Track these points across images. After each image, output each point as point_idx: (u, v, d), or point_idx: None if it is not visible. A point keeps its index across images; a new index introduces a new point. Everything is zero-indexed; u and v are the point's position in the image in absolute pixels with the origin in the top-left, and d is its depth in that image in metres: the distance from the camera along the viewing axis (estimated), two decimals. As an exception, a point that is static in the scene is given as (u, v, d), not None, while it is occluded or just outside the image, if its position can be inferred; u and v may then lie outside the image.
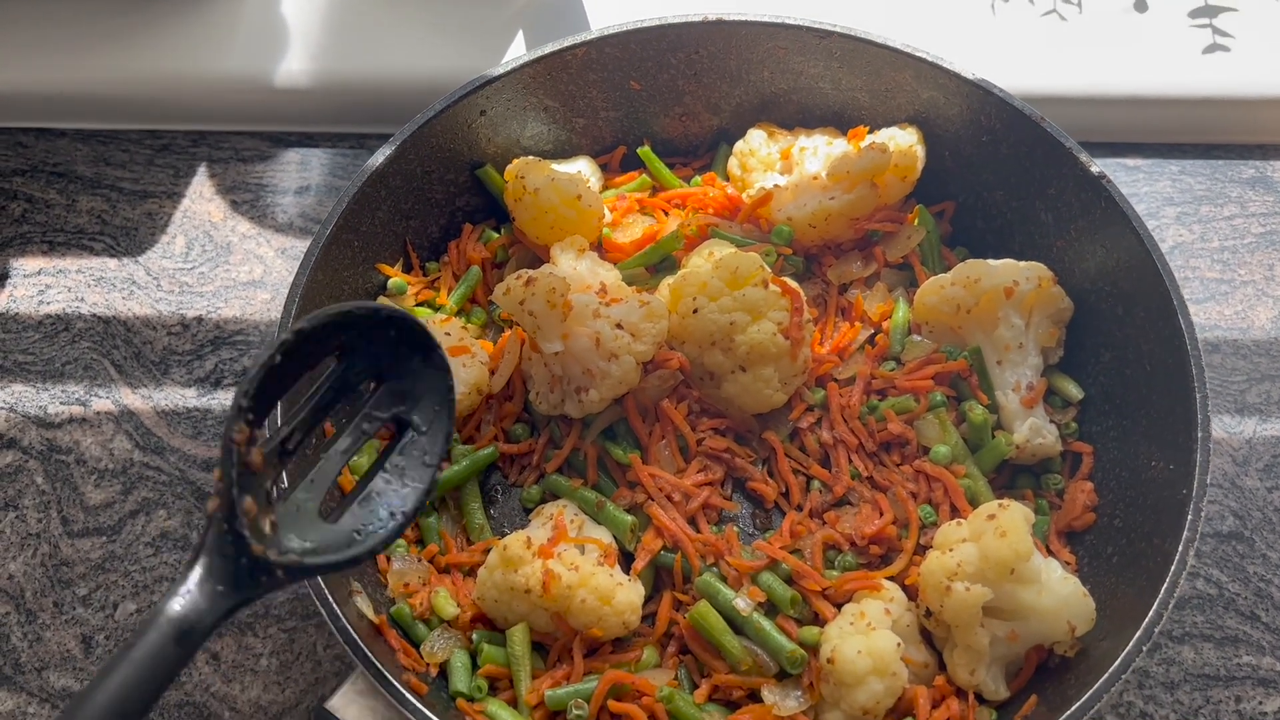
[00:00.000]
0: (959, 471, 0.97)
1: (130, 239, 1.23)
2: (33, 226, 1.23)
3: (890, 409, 1.00)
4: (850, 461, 1.00)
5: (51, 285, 1.19)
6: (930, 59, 1.05)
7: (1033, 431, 0.98)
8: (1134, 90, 1.25)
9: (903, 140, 1.08)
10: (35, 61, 1.27)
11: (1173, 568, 0.81)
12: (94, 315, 1.17)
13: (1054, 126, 1.01)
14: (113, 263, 1.21)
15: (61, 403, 1.12)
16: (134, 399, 1.12)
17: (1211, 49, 1.27)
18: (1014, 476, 1.01)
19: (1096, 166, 0.99)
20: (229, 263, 1.21)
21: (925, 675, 0.89)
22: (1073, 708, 0.77)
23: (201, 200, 1.25)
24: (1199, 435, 0.86)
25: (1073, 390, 1.02)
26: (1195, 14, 1.30)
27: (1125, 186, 1.26)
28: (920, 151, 1.09)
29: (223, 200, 1.25)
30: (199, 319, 1.17)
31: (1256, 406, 1.11)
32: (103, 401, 1.12)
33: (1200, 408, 0.87)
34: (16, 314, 1.17)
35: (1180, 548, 0.82)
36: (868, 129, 1.10)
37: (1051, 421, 1.01)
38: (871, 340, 1.06)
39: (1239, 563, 1.03)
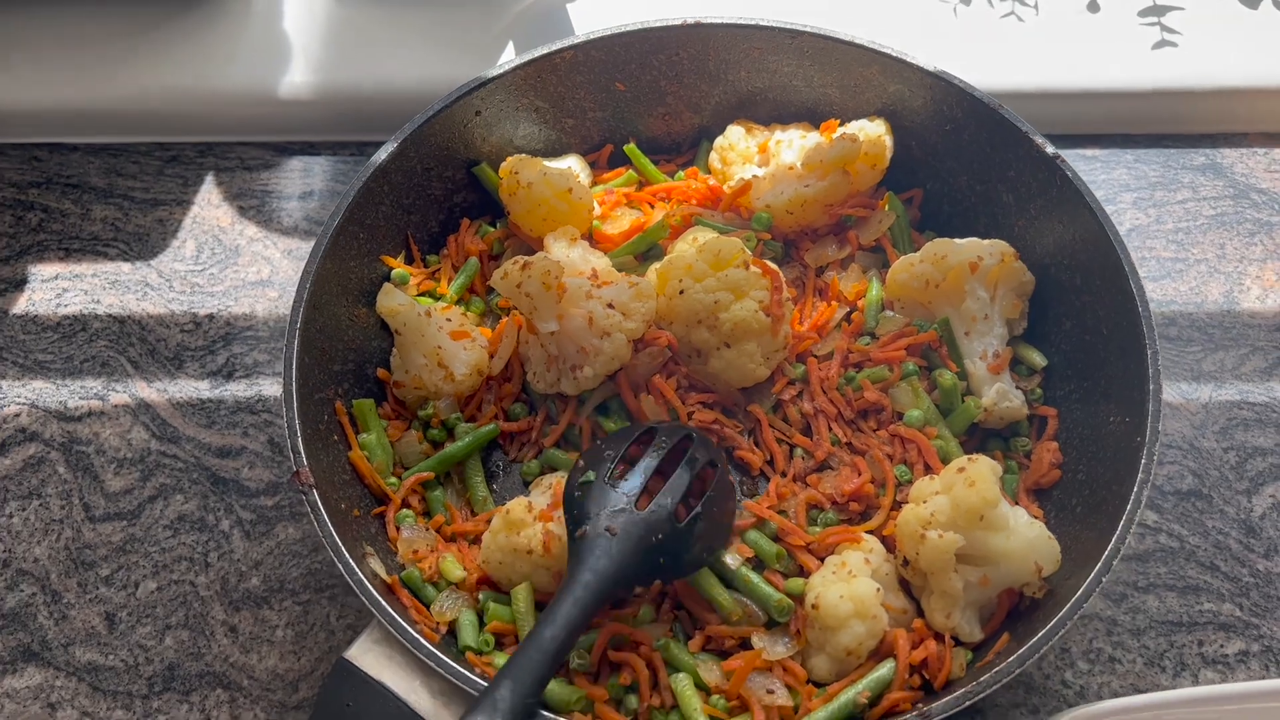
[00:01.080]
0: (931, 433, 1.03)
1: (143, 244, 1.29)
2: (49, 235, 1.29)
3: (866, 379, 1.06)
4: (830, 429, 1.06)
5: (69, 289, 1.25)
6: (895, 54, 1.13)
7: (999, 395, 1.04)
8: (1089, 85, 1.33)
9: (871, 131, 1.15)
10: (48, 80, 1.34)
11: (1128, 507, 0.87)
12: (110, 315, 1.23)
13: (1010, 112, 1.09)
14: (126, 267, 1.27)
15: (80, 398, 1.18)
16: (150, 392, 1.18)
17: (1160, 45, 1.35)
18: (984, 440, 1.08)
19: (1051, 148, 1.06)
20: (237, 264, 1.27)
21: (904, 621, 0.95)
22: (1037, 635, 0.83)
23: (210, 207, 1.32)
24: (1151, 388, 0.93)
25: (1036, 358, 1.09)
26: (1144, 13, 1.38)
27: (1084, 175, 1.32)
28: (888, 141, 1.16)
29: (230, 206, 1.32)
30: (210, 316, 1.23)
31: (1211, 374, 1.18)
32: (120, 395, 1.18)
33: (1152, 362, 0.94)
34: (36, 316, 1.23)
35: (1135, 489, 0.88)
36: (839, 122, 1.18)
37: (1018, 388, 1.07)
38: (848, 318, 1.13)
39: (1198, 518, 1.10)
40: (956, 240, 1.08)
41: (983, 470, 0.92)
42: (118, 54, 1.36)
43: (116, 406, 1.17)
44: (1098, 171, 1.34)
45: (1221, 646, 1.03)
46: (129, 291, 1.25)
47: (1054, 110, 1.33)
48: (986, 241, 1.08)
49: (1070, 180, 1.04)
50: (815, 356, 1.11)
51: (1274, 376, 1.18)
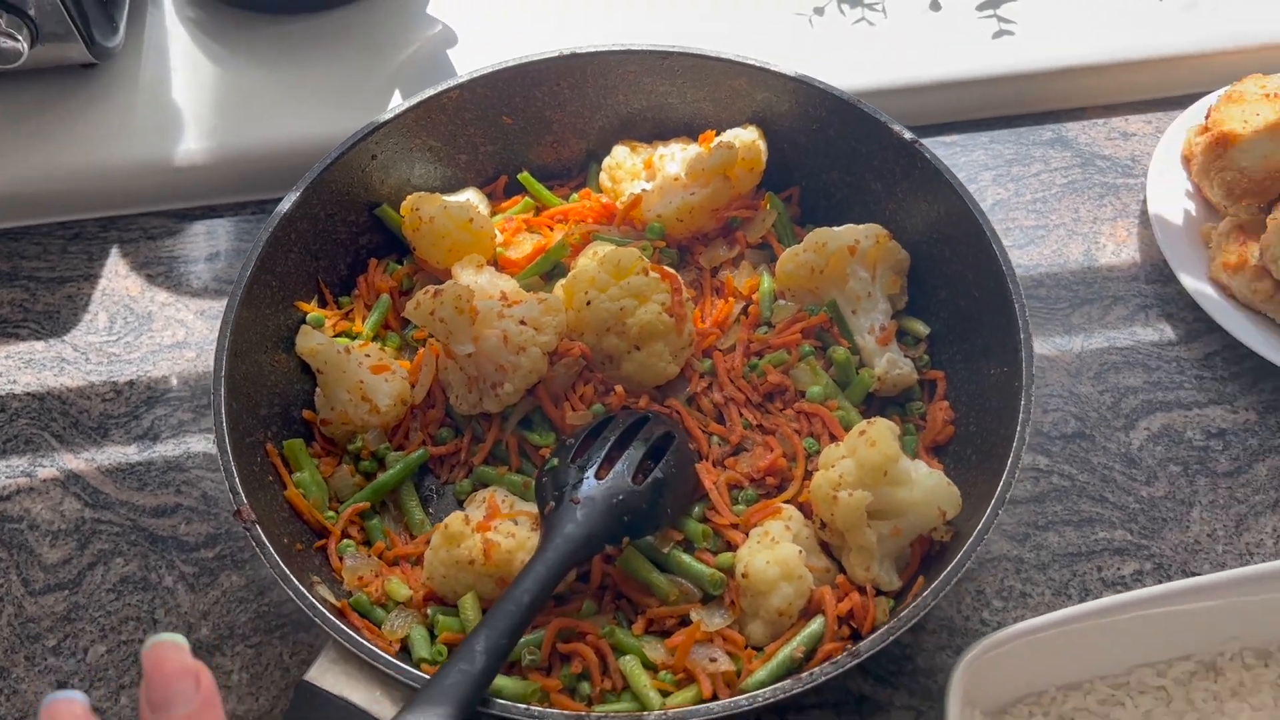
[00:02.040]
0: (833, 406, 1.11)
1: (54, 322, 1.30)
2: (-44, 323, 1.30)
3: (768, 364, 1.14)
4: (741, 414, 1.13)
5: (-18, 373, 1.26)
6: (758, 64, 1.21)
7: (890, 364, 1.13)
8: (939, 77, 1.44)
9: (745, 137, 1.24)
10: (-61, 173, 1.35)
11: (1014, 444, 0.96)
12: (28, 394, 1.25)
13: (869, 105, 1.18)
14: (40, 345, 1.28)
15: (7, 477, 1.19)
16: (77, 463, 1.19)
17: (999, 35, 1.47)
18: (883, 408, 1.16)
19: (909, 133, 1.16)
20: (152, 330, 1.30)
21: (828, 579, 1.02)
22: (946, 569, 0.91)
23: (118, 278, 1.34)
24: (1022, 337, 1.02)
25: (920, 327, 1.18)
26: (982, 7, 1.51)
27: (945, 159, 1.40)
28: (762, 145, 1.24)
29: (138, 276, 1.34)
30: (130, 383, 1.25)
31: (1081, 326, 1.29)
32: (47, 470, 1.19)
33: (1020, 314, 1.03)
34: (-48, 403, 1.24)
35: (1018, 428, 0.97)
36: (715, 132, 1.26)
37: (906, 356, 1.16)
38: (745, 311, 1.20)
39: (1085, 457, 1.19)
40: (835, 228, 1.17)
41: (881, 430, 1.00)
42: (7, 138, 1.37)
43: (45, 481, 1.18)
44: (958, 155, 1.44)
45: (1119, 569, 1.12)
46: (45, 369, 1.26)
47: (910, 103, 1.44)
48: (862, 226, 1.17)
49: (929, 161, 1.14)
50: (720, 350, 1.18)
51: (1135, 322, 1.29)
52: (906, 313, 1.20)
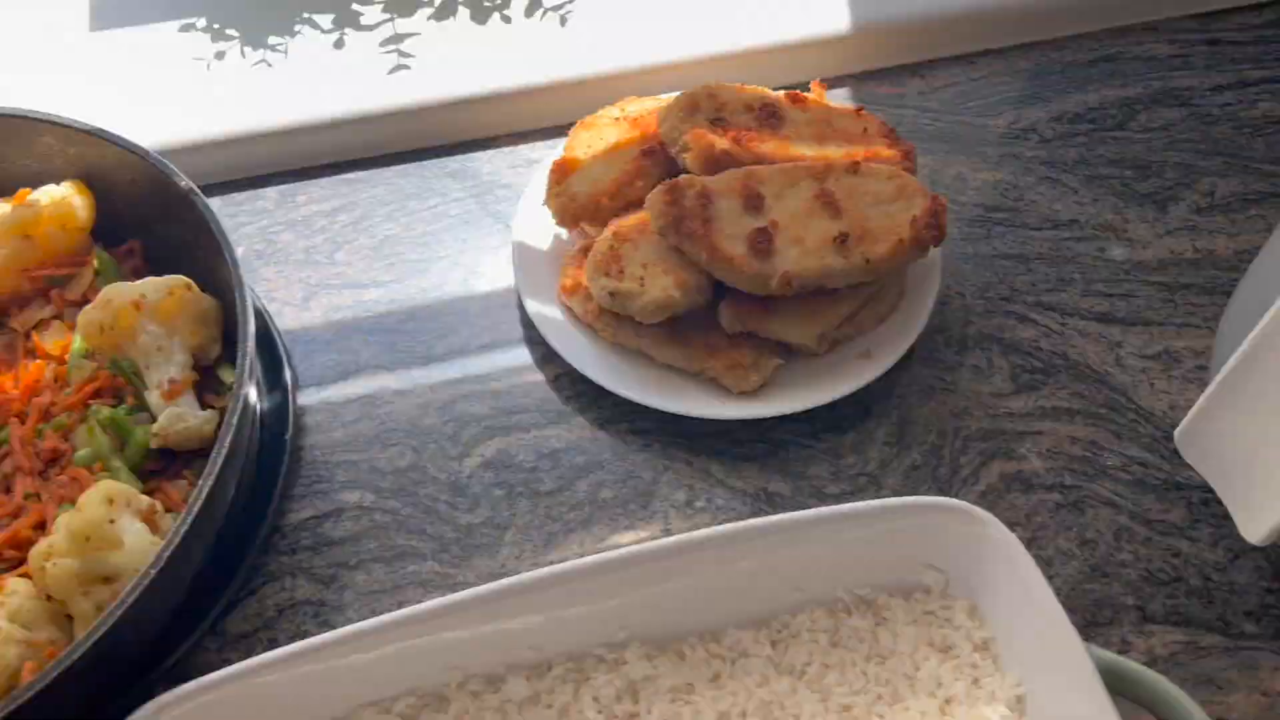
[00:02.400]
0: (98, 469, 1.08)
1: None
2: None
3: (50, 429, 1.11)
4: (26, 484, 1.10)
5: None
6: (44, 117, 1.19)
7: (172, 418, 1.11)
8: (341, 114, 1.44)
9: (56, 193, 1.20)
10: None
11: (195, 497, 0.95)
12: None
13: (156, 157, 1.16)
14: None
15: None
16: None
17: (396, 69, 1.48)
18: (191, 460, 1.14)
19: (185, 183, 1.14)
20: None
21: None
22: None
23: None
24: (241, 392, 1.01)
25: (229, 376, 1.17)
26: (385, 43, 1.52)
27: (346, 196, 1.44)
28: (78, 201, 1.21)
29: None
30: None
31: (440, 357, 1.30)
32: None
33: (244, 363, 1.03)
34: None
35: (201, 481, 0.96)
36: (29, 190, 1.22)
37: (214, 407, 1.15)
38: (56, 375, 1.17)
39: (413, 490, 1.20)
40: (124, 284, 1.15)
41: (91, 495, 0.98)
42: None
43: None
44: (360, 191, 1.45)
45: (419, 602, 1.13)
46: None
47: (311, 142, 1.44)
48: (161, 279, 1.15)
49: (200, 211, 1.13)
50: (27, 416, 1.14)
51: (495, 349, 1.30)
52: (226, 360, 1.19)
